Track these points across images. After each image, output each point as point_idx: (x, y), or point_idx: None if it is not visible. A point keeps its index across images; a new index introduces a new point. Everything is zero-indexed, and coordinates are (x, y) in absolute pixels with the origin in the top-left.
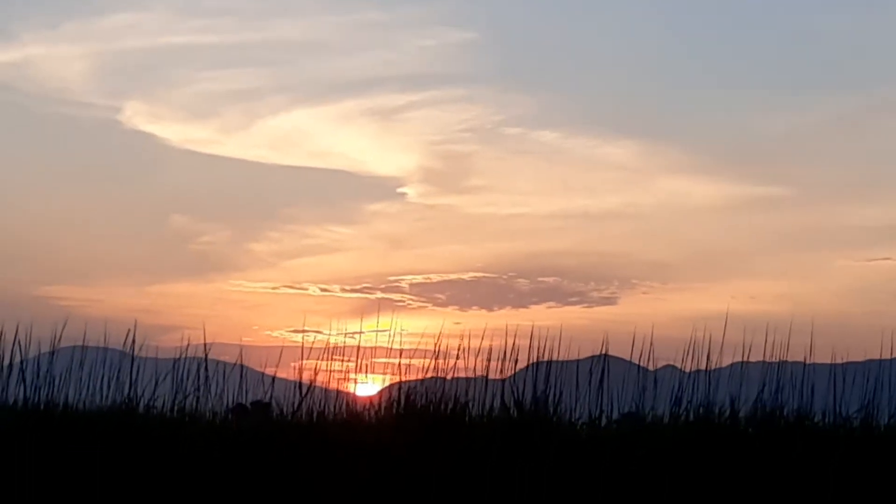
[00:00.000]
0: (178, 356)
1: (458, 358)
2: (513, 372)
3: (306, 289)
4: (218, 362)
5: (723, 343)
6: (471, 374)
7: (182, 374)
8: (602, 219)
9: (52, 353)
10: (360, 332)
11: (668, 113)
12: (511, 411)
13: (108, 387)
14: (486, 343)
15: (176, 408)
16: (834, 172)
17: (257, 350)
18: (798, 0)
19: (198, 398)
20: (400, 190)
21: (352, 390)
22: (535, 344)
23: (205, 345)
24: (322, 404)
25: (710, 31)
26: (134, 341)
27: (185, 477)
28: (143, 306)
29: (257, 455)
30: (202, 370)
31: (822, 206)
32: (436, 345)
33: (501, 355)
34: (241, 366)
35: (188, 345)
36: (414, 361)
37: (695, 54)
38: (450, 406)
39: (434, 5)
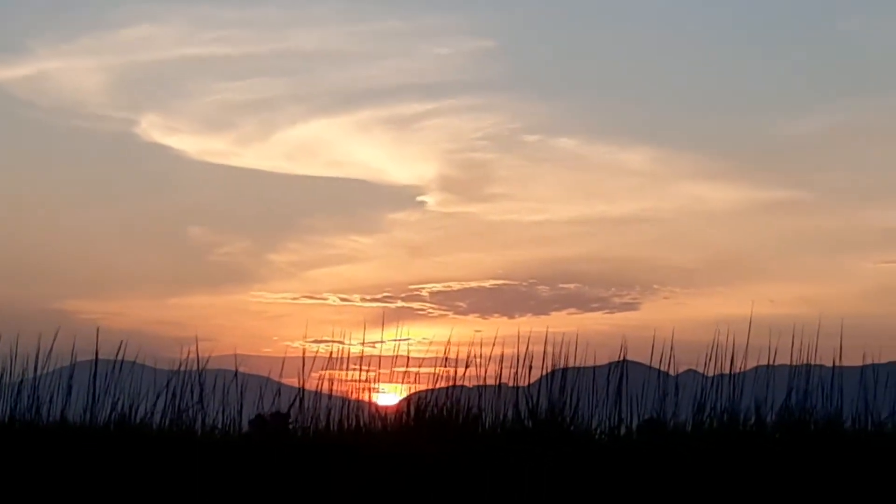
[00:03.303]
0: (176, 368)
1: (467, 366)
2: (529, 381)
3: (326, 299)
4: (223, 373)
5: (747, 346)
6: (490, 383)
7: (179, 387)
8: (622, 224)
9: (68, 368)
10: (381, 342)
11: (685, 118)
12: (525, 421)
13: (102, 401)
14: (506, 350)
15: (171, 421)
16: (853, 176)
17: (269, 361)
18: (818, 2)
19: (194, 411)
20: (419, 198)
21: (374, 400)
22: (552, 350)
23: (198, 358)
24: (330, 414)
25: (728, 35)
26: (123, 353)
27: (177, 491)
28: (163, 318)
29: (256, 466)
30: (196, 383)
31: (842, 210)
32: (445, 352)
33: (519, 362)
34: (251, 376)
35: (188, 357)
36: (431, 370)
37: (712, 59)
38: (461, 416)
39: (450, 14)
